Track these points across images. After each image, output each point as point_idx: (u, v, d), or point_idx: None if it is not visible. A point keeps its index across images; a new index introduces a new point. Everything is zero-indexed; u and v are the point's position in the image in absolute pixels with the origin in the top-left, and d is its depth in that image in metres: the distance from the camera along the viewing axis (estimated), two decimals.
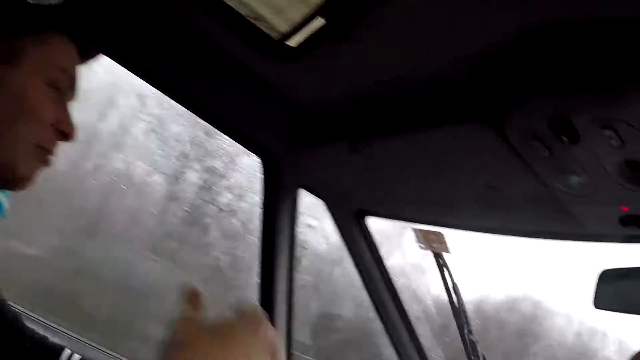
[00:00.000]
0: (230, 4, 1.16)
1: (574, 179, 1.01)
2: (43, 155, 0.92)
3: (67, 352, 1.29)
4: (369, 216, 1.60)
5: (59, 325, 2.01)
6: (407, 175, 1.32)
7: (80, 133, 0.96)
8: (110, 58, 1.31)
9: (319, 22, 1.10)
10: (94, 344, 2.02)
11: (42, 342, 1.32)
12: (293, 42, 1.21)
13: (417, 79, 1.12)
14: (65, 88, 0.94)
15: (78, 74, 0.97)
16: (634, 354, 1.29)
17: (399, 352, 1.71)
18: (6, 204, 1.02)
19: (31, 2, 0.89)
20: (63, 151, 0.96)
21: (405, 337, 1.69)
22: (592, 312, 1.19)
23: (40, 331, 1.35)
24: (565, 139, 0.91)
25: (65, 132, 0.93)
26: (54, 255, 2.90)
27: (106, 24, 1.01)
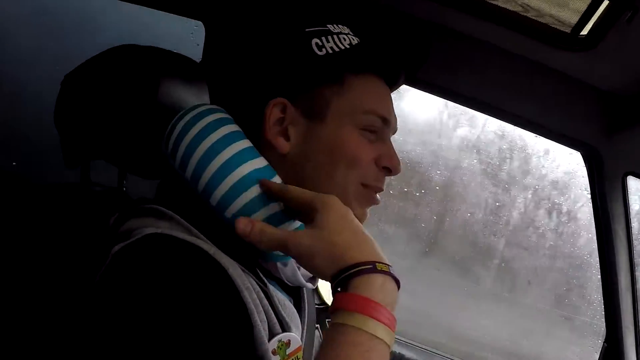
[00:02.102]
0: (515, 9, 1.26)
1: None
2: (371, 193, 0.94)
3: None
4: None
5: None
6: None
7: None
8: (413, 86, 1.50)
9: (604, 4, 1.14)
10: (442, 353, 2.19)
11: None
12: (586, 30, 1.24)
13: None
14: (379, 126, 0.94)
15: (389, 107, 0.96)
16: None
17: None
18: None
19: (320, 53, 0.90)
20: None
21: None
22: None
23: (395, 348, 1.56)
24: None
25: (387, 166, 0.94)
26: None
27: (396, 53, 0.97)
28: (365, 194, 0.93)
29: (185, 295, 0.71)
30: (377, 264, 0.73)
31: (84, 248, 1.00)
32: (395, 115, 0.98)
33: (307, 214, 0.80)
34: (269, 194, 0.84)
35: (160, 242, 0.78)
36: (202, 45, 1.62)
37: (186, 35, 1.78)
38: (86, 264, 0.98)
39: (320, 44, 0.90)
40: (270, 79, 0.91)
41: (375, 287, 0.71)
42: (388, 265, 0.74)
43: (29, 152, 2.38)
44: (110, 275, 0.77)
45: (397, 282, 0.75)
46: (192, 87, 1.13)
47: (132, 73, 1.07)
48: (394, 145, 0.97)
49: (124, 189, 1.24)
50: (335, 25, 0.94)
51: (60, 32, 2.35)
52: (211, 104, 0.96)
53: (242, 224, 0.79)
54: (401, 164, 0.97)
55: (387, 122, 0.94)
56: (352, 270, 0.72)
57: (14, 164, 2.31)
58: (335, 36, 0.92)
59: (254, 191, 0.84)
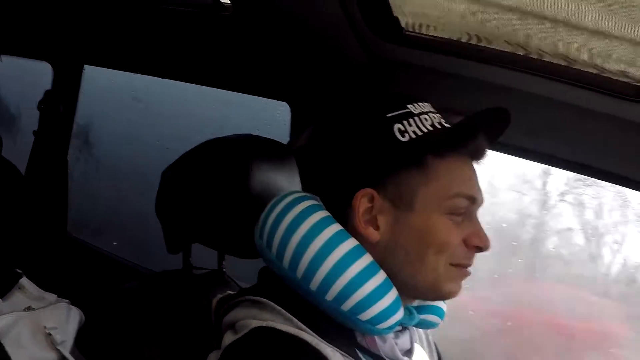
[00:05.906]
0: (588, 69, 1.28)
1: None
2: (460, 269, 0.95)
3: None
4: None
5: None
6: None
7: None
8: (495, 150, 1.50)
9: None
10: None
11: None
12: None
13: None
14: (466, 206, 0.93)
15: (475, 185, 0.96)
16: None
17: None
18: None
19: (403, 140, 0.90)
20: None
21: None
22: None
23: None
24: None
25: (477, 245, 0.94)
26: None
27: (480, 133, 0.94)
28: (456, 271, 0.94)
29: None
30: None
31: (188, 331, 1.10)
32: (481, 190, 0.96)
33: None
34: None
35: (267, 336, 0.85)
36: (289, 124, 1.68)
37: (273, 114, 1.83)
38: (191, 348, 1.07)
39: (402, 129, 0.91)
40: (356, 169, 0.92)
41: None
42: None
43: (127, 231, 2.52)
44: None
45: None
46: (281, 170, 1.18)
47: (224, 164, 1.15)
48: None
49: (223, 270, 1.32)
50: (416, 105, 0.95)
51: (154, 116, 2.52)
52: (303, 188, 1.03)
53: None
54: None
55: (474, 200, 0.94)
56: None
57: (114, 243, 2.45)
58: (417, 118, 0.92)
59: (352, 272, 0.86)
